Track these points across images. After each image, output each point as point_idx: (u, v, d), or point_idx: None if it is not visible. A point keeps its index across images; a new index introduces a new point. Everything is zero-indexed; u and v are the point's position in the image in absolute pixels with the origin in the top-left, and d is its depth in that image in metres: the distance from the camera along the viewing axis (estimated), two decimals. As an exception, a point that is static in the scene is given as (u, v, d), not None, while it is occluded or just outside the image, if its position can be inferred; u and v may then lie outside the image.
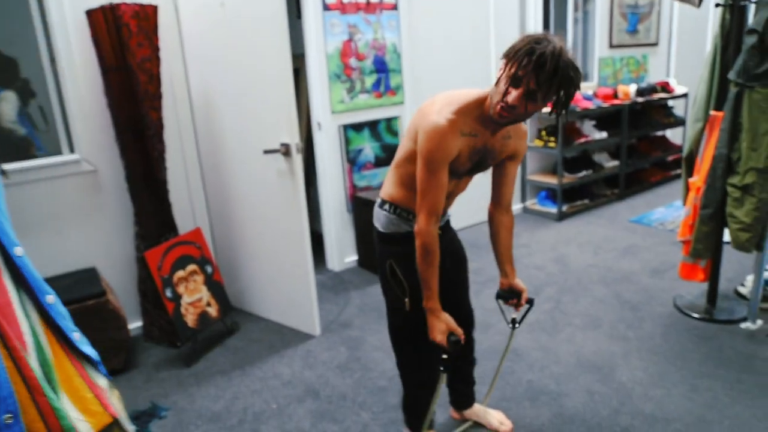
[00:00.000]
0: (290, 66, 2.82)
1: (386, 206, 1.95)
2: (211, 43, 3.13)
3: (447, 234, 2.05)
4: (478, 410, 2.41)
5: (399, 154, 1.90)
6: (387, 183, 1.97)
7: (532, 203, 5.48)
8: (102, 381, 2.00)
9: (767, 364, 2.74)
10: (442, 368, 1.90)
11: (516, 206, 5.40)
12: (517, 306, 2.15)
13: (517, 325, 2.19)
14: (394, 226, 1.94)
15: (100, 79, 2.99)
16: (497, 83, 1.62)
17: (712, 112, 2.96)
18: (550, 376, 2.73)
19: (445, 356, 1.86)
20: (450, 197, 1.95)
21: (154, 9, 2.98)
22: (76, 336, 1.94)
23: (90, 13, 2.86)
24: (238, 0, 2.89)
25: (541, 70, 1.50)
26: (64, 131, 3.10)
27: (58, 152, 3.11)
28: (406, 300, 1.95)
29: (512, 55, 1.55)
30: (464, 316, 2.22)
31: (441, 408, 2.53)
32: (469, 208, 3.92)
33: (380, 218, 1.98)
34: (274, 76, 2.84)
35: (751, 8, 2.76)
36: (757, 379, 2.62)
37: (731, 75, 2.77)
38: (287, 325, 3.37)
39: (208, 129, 3.37)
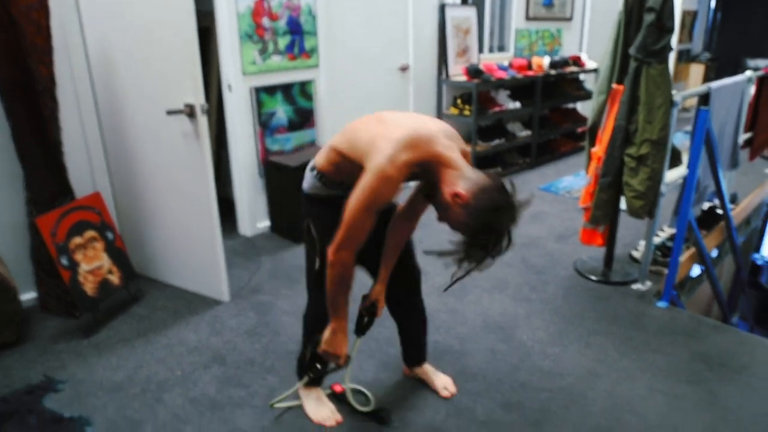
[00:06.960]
0: (194, 21, 2.68)
1: (314, 171, 2.02)
2: (109, -7, 2.92)
3: None
4: (428, 370, 2.45)
5: (337, 143, 1.92)
6: (321, 154, 2.01)
7: (447, 171, 5.54)
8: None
9: (653, 321, 2.95)
10: (310, 374, 2.15)
11: (432, 174, 5.46)
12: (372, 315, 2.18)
13: (362, 335, 2.21)
14: (316, 189, 2.02)
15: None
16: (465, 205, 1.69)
17: (613, 86, 3.08)
18: (456, 337, 2.82)
19: (316, 365, 2.08)
20: None
21: (40, -48, 2.74)
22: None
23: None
24: (137, -52, 2.71)
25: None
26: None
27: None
28: (317, 258, 2.02)
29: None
30: (409, 276, 2.28)
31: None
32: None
33: (308, 180, 2.04)
34: (177, 32, 2.69)
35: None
36: (644, 336, 2.81)
37: (632, 50, 2.88)
38: (195, 292, 3.28)
39: (108, 86, 3.16)
